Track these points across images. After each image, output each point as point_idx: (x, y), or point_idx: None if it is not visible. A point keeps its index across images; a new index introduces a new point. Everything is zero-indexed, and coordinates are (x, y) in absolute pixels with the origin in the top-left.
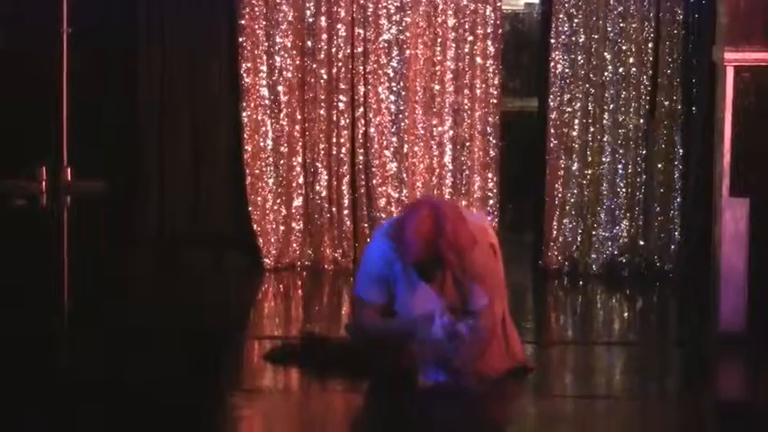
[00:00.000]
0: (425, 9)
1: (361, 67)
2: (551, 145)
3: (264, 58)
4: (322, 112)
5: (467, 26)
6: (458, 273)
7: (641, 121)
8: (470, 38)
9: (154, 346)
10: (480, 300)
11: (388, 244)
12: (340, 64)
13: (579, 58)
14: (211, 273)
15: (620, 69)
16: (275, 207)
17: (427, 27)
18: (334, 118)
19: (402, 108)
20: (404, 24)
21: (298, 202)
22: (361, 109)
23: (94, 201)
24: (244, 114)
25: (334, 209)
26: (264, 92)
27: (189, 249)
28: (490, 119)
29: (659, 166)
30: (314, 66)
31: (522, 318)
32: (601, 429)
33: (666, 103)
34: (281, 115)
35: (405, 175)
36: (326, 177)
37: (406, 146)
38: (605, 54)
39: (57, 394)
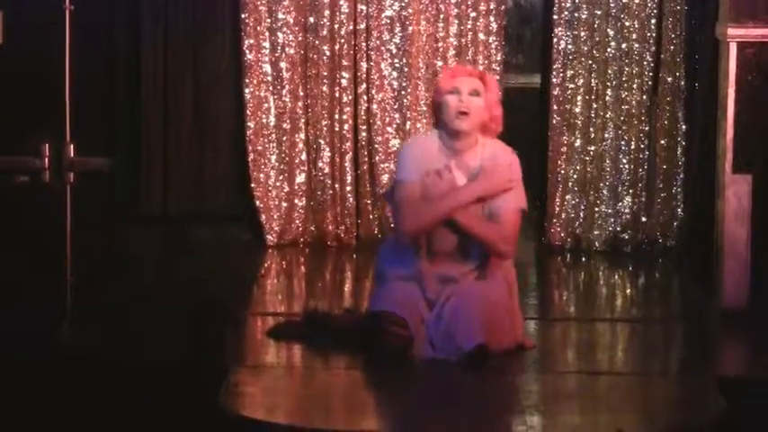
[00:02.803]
0: None
1: (364, 44)
2: (554, 121)
3: (267, 34)
4: (325, 88)
5: (469, 2)
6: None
7: (644, 97)
8: (473, 14)
9: (156, 322)
10: (507, 203)
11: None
12: (342, 40)
13: (582, 34)
14: (214, 249)
15: (623, 45)
16: (278, 184)
17: (430, 3)
18: (337, 94)
19: (405, 84)
20: (406, 0)
21: (300, 178)
22: (364, 85)
23: (97, 177)
24: (246, 91)
25: (336, 185)
26: (267, 68)
27: (191, 226)
28: None
29: (662, 142)
30: (316, 42)
31: (524, 294)
32: (603, 405)
33: (669, 79)
34: (284, 92)
35: None
36: (329, 154)
37: (408, 122)
38: (608, 30)
39: (59, 370)
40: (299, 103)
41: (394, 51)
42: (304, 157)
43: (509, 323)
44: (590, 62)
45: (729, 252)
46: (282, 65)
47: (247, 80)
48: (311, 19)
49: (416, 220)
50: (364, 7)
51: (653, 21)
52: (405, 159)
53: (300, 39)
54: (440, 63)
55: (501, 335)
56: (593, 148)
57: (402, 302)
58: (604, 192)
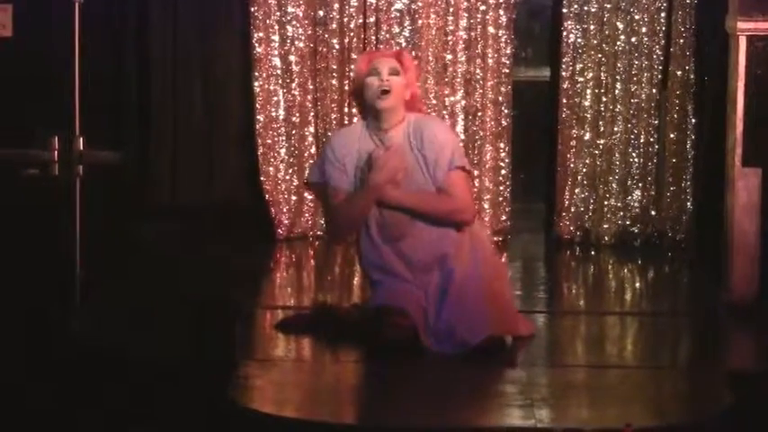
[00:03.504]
0: None
1: (374, 37)
2: (563, 115)
3: (276, 27)
4: (334, 81)
5: None
6: (421, 143)
7: (654, 90)
8: (482, 7)
9: (165, 314)
10: (443, 169)
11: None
12: (352, 34)
13: (591, 27)
14: (223, 243)
15: (633, 39)
16: (287, 177)
17: None
18: (346, 88)
19: None
20: None
21: None
22: None
23: (107, 170)
24: (256, 84)
25: None
26: (276, 62)
27: (201, 219)
28: (502, 88)
29: (671, 135)
30: (326, 35)
31: (533, 287)
32: (612, 399)
33: (679, 72)
34: (293, 85)
35: None
36: None
37: None
38: (618, 23)
39: (68, 363)
40: (309, 97)
41: (403, 44)
42: (313, 150)
43: (512, 308)
44: (599, 55)
45: (738, 246)
46: (292, 58)
47: (257, 74)
48: (321, 12)
49: (349, 223)
50: (374, 0)
51: (662, 14)
52: (330, 157)
53: (310, 32)
54: (449, 56)
55: (509, 321)
56: (602, 141)
57: (399, 294)
58: (614, 185)
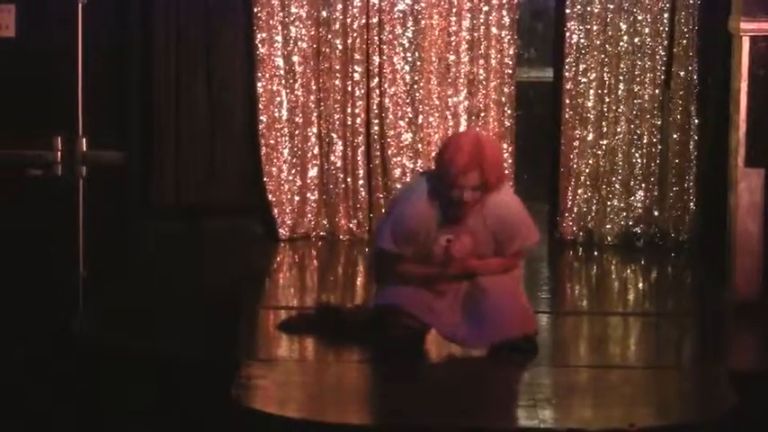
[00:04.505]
0: None
1: (377, 38)
2: (566, 115)
3: (279, 28)
4: (337, 82)
5: None
6: (495, 222)
7: (656, 91)
8: (485, 8)
9: (168, 315)
10: (518, 243)
11: (427, 186)
12: (355, 34)
13: (594, 28)
14: (226, 243)
15: (636, 39)
16: (290, 177)
17: None
18: (349, 88)
19: (417, 78)
20: None
21: (313, 172)
22: (376, 79)
23: (110, 170)
24: (259, 85)
25: (349, 179)
26: (279, 62)
27: (204, 219)
28: (505, 89)
29: (674, 136)
30: (329, 36)
31: (537, 288)
32: (615, 399)
33: (682, 73)
34: (296, 85)
35: (420, 145)
36: (341, 148)
37: (420, 116)
38: (620, 24)
39: (72, 362)
40: (312, 97)
41: (406, 45)
42: (316, 150)
43: (528, 308)
44: (602, 56)
45: (742, 246)
46: (295, 59)
47: (260, 74)
48: (324, 13)
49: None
50: (377, 1)
51: (665, 15)
52: (400, 232)
53: (313, 33)
54: (452, 57)
55: (529, 319)
56: (605, 142)
57: (404, 294)
58: (617, 186)
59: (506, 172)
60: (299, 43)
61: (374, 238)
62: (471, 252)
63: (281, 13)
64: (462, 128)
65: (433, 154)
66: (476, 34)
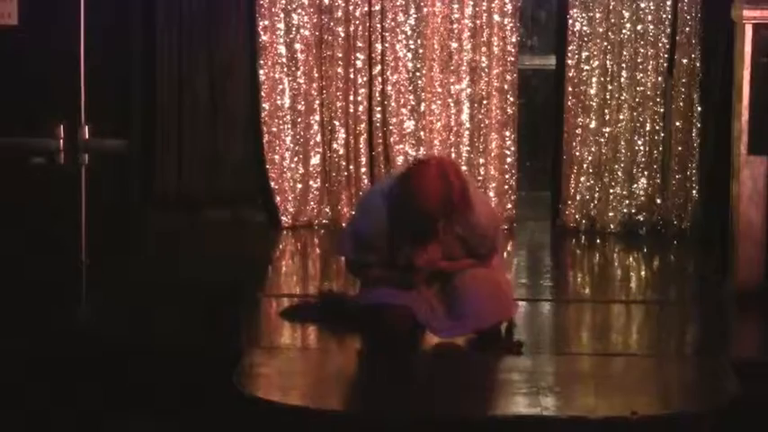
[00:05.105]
0: None
1: (379, 25)
2: (569, 103)
3: (282, 15)
4: (339, 70)
5: None
6: (465, 229)
7: (659, 79)
8: None
9: (171, 303)
10: (488, 243)
11: (386, 208)
12: (357, 22)
13: (597, 15)
14: (228, 231)
15: (639, 27)
16: (293, 165)
17: None
18: (352, 76)
19: (419, 66)
20: None
21: (315, 160)
22: (379, 67)
23: (112, 159)
24: (261, 72)
25: (351, 167)
26: (282, 50)
27: (206, 207)
28: (508, 77)
29: (677, 124)
30: (331, 23)
31: (539, 276)
32: (617, 387)
33: (685, 60)
34: (299, 73)
35: (422, 133)
36: (344, 135)
37: (423, 104)
38: (623, 12)
39: (74, 350)
40: (314, 85)
41: (409, 33)
42: (319, 138)
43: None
44: (605, 44)
45: (744, 234)
46: (297, 46)
47: (262, 62)
48: (326, 0)
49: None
50: None
51: (668, 2)
52: (360, 242)
53: (315, 20)
54: (455, 44)
55: (508, 306)
56: (608, 129)
57: (389, 292)
58: (619, 173)
59: (466, 179)
60: (302, 31)
61: (335, 248)
62: (439, 258)
63: (283, 1)
64: (465, 115)
65: (436, 143)
66: (478, 21)
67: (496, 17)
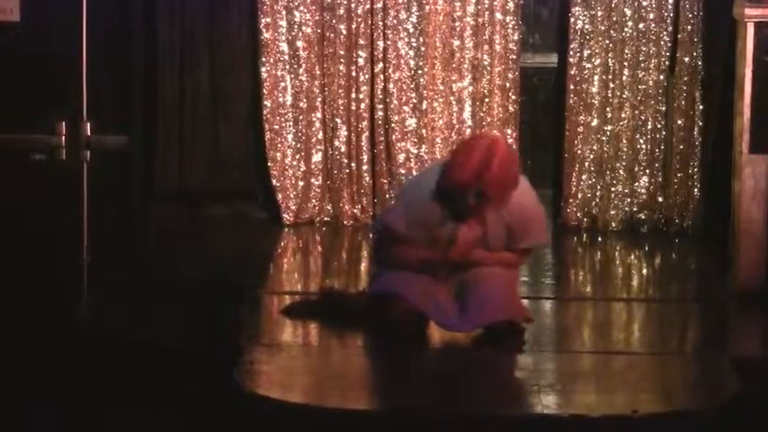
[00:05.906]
0: None
1: (381, 23)
2: (571, 101)
3: (284, 13)
4: (341, 67)
5: None
6: (501, 213)
7: (661, 77)
8: None
9: (172, 300)
10: (529, 240)
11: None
12: (359, 19)
13: (599, 13)
14: (230, 228)
15: (641, 25)
16: (294, 163)
17: None
18: (354, 73)
19: (421, 64)
20: None
21: (317, 157)
22: (381, 64)
23: (114, 155)
24: (263, 70)
25: (353, 164)
26: (284, 47)
27: (208, 204)
28: (509, 75)
29: (679, 122)
30: (333, 21)
31: (541, 274)
32: (618, 385)
33: (686, 59)
34: (301, 71)
35: (424, 130)
36: (346, 133)
37: (425, 102)
38: (625, 10)
39: (75, 348)
40: (316, 82)
41: (411, 30)
42: (320, 136)
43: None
44: (607, 42)
45: (745, 232)
46: (299, 44)
47: (264, 59)
48: None
49: (403, 264)
50: None
51: (670, 0)
52: (410, 218)
53: (317, 17)
54: (457, 42)
55: (518, 307)
56: (609, 127)
57: (405, 280)
58: (621, 172)
59: (517, 173)
60: (304, 28)
61: (382, 218)
62: (478, 241)
63: None
64: (466, 113)
65: (438, 140)
66: (480, 19)
67: (498, 15)
